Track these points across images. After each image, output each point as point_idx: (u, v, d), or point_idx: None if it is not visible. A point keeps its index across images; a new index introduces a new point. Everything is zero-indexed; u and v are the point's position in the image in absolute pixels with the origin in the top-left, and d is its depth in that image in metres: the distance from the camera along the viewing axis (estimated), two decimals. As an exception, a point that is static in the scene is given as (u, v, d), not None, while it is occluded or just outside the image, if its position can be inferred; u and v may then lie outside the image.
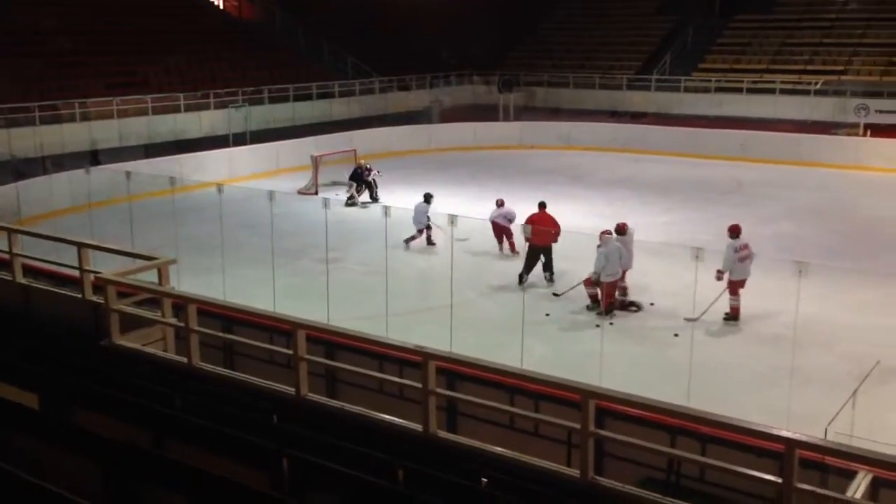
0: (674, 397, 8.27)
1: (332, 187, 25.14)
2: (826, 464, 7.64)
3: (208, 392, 8.53)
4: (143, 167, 23.04)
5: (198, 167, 24.83)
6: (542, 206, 17.10)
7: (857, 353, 12.64)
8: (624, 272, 15.01)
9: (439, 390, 8.14)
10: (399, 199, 22.69)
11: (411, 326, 13.35)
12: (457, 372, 9.63)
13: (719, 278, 14.05)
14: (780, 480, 6.41)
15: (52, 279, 12.87)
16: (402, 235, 19.13)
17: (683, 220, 21.74)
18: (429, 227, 18.91)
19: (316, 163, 25.26)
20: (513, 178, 26.55)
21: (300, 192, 24.47)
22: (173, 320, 10.24)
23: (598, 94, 37.25)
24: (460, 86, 40.12)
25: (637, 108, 36.37)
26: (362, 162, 24.19)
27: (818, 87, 32.86)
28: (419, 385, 7.93)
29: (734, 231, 14.66)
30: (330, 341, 10.49)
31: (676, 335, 13.63)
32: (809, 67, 34.40)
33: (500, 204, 18.59)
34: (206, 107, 29.27)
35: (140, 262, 11.05)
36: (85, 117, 26.01)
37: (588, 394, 7.13)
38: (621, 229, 15.17)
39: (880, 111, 30.48)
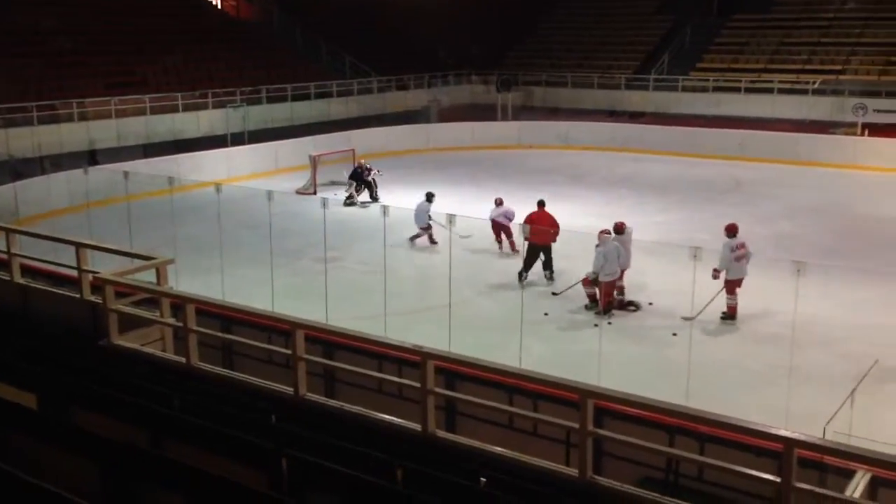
0: (672, 397, 8.27)
1: (330, 187, 25.15)
2: (825, 463, 7.65)
3: (207, 392, 8.53)
4: (142, 167, 23.01)
5: (196, 167, 24.82)
6: (541, 204, 17.13)
7: (855, 353, 12.65)
8: (622, 271, 15.03)
9: (438, 390, 8.14)
10: (398, 198, 22.69)
11: (410, 326, 13.35)
12: (455, 371, 9.64)
13: (716, 277, 14.06)
14: (778, 480, 6.41)
15: (50, 279, 12.86)
16: (402, 235, 19.14)
17: (681, 220, 21.75)
18: (429, 227, 18.92)
19: (314, 162, 25.25)
20: (511, 177, 26.55)
21: (298, 192, 24.46)
22: (172, 320, 10.24)
23: (597, 93, 37.25)
24: (458, 85, 40.12)
25: (635, 108, 36.38)
26: (363, 161, 24.18)
27: (816, 86, 32.87)
28: (418, 385, 7.92)
29: (731, 230, 14.67)
30: (329, 341, 10.48)
31: (675, 335, 13.63)
32: (807, 67, 34.42)
33: (498, 203, 18.64)
34: (205, 107, 29.26)
35: (138, 262, 11.05)
36: (83, 117, 26.00)
37: (587, 393, 7.13)
38: (619, 228, 15.18)
39: (878, 110, 30.49)
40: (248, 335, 10.72)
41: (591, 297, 14.98)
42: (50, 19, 29.10)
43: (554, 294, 15.78)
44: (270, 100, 31.34)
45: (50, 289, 11.96)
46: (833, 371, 12.16)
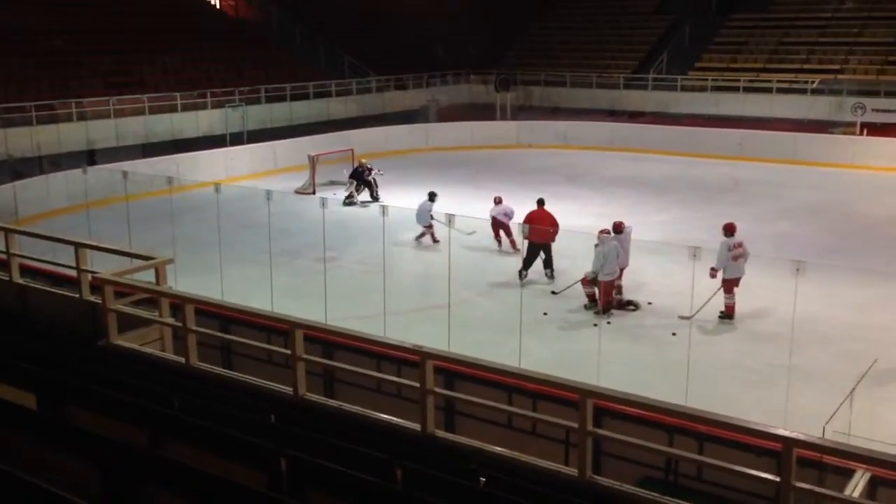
0: (671, 396, 8.28)
1: (329, 187, 25.16)
2: (824, 462, 7.65)
3: (206, 392, 8.52)
4: (140, 167, 23.04)
5: (195, 167, 24.83)
6: (540, 203, 17.18)
7: (854, 352, 12.66)
8: (621, 271, 15.03)
9: (437, 390, 8.14)
10: (397, 198, 22.70)
11: (409, 326, 13.36)
12: (455, 371, 9.64)
13: (713, 276, 14.07)
14: (778, 479, 6.41)
15: (49, 279, 12.86)
16: (401, 235, 19.15)
17: (680, 219, 21.75)
18: (431, 226, 18.94)
19: (313, 162, 25.25)
20: (510, 177, 26.55)
21: (297, 192, 24.46)
22: (171, 320, 10.23)
23: (596, 93, 37.26)
24: (457, 85, 40.15)
25: (634, 107, 36.40)
26: (364, 161, 24.16)
27: (815, 85, 32.88)
28: (417, 384, 7.92)
29: (729, 229, 14.68)
30: (328, 341, 10.49)
31: (674, 334, 13.63)
32: (806, 66, 34.44)
33: (498, 201, 18.76)
34: (203, 106, 29.25)
35: (137, 262, 11.04)
36: (82, 117, 25.99)
37: (586, 393, 7.13)
38: (618, 228, 15.18)
39: (876, 110, 30.52)
40: (248, 335, 10.72)
41: (591, 297, 14.98)
42: (47, 19, 29.08)
43: (553, 293, 15.79)
44: (269, 99, 31.34)
45: (49, 289, 11.96)
46: (832, 370, 12.17)
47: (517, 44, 42.82)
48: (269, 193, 14.53)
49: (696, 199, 24.35)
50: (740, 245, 14.49)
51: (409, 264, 18.12)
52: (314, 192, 24.35)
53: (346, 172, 24.37)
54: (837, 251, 18.51)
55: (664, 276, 15.85)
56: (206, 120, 29.18)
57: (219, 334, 10.96)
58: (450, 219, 13.54)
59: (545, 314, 14.75)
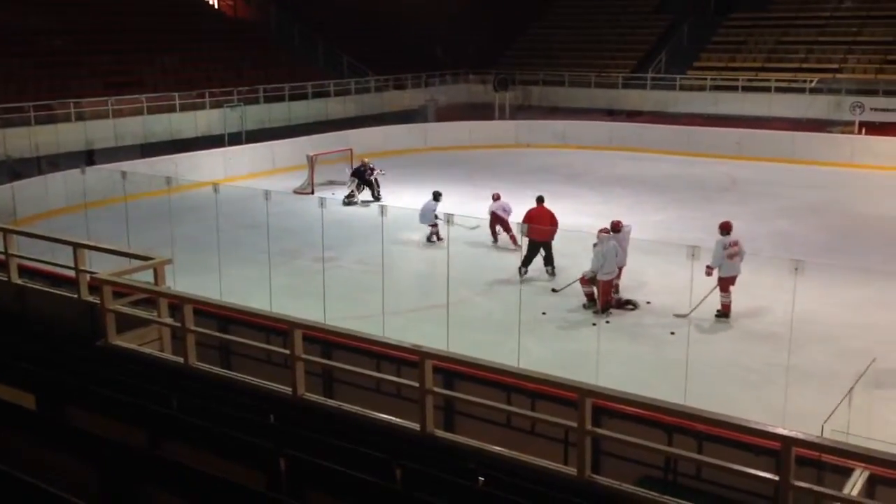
0: (670, 395, 8.29)
1: (328, 186, 25.16)
2: (823, 461, 7.65)
3: (205, 392, 8.52)
4: (139, 167, 23.03)
5: (193, 167, 24.80)
6: (539, 200, 17.24)
7: (853, 351, 12.66)
8: (620, 270, 15.04)
9: (436, 389, 8.14)
10: (397, 198, 22.74)
11: (408, 325, 13.37)
12: (454, 371, 9.64)
13: (708, 274, 14.08)
14: (776, 478, 6.41)
15: (47, 279, 12.85)
16: (401, 234, 19.18)
17: (679, 218, 21.76)
18: (436, 225, 18.99)
19: (312, 162, 25.24)
20: (508, 176, 26.53)
21: (296, 192, 24.45)
22: (169, 320, 10.23)
23: (594, 92, 37.27)
24: (455, 85, 40.14)
25: (633, 107, 36.41)
26: (366, 160, 24.15)
27: (813, 85, 32.91)
28: (416, 384, 7.92)
29: (725, 228, 14.69)
30: (327, 341, 10.48)
31: (673, 333, 13.64)
32: (804, 65, 34.45)
33: (496, 198, 18.97)
34: (202, 106, 29.24)
35: (136, 262, 11.04)
36: (80, 117, 25.97)
37: (585, 392, 7.13)
38: (616, 227, 15.19)
39: (875, 109, 30.55)
40: (246, 335, 10.72)
41: (589, 297, 14.99)
42: (45, 19, 29.06)
43: (554, 291, 15.81)
44: (268, 99, 31.33)
45: (47, 289, 11.96)
46: (831, 369, 12.18)
47: (516, 43, 42.83)
48: (267, 193, 14.52)
49: (694, 198, 24.36)
50: (736, 244, 14.50)
51: (408, 264, 18.12)
52: (313, 192, 24.34)
53: (348, 171, 24.38)
54: (836, 250, 18.53)
55: (663, 275, 15.85)
56: (204, 120, 29.17)
57: (218, 334, 10.96)
58: (449, 218, 13.56)
59: (544, 314, 14.75)
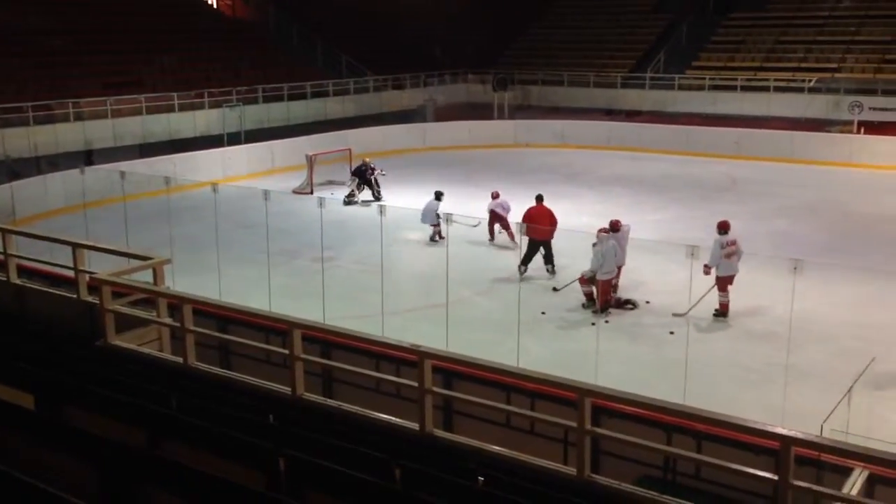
0: (670, 395, 8.29)
1: (327, 186, 25.15)
2: (822, 461, 7.65)
3: (204, 392, 8.51)
4: (138, 167, 23.04)
5: (192, 167, 24.79)
6: (539, 199, 17.29)
7: (852, 350, 12.67)
8: (619, 269, 15.04)
9: (436, 389, 8.14)
10: (397, 197, 22.74)
11: (407, 325, 13.37)
12: (453, 371, 9.64)
13: (706, 273, 14.10)
14: (776, 477, 6.41)
15: (46, 279, 12.85)
16: (401, 234, 19.19)
17: (678, 218, 21.77)
18: (438, 224, 19.04)
19: (311, 162, 25.23)
20: (507, 176, 26.52)
21: (295, 192, 24.45)
22: (169, 320, 10.23)
23: (593, 92, 37.28)
24: (454, 84, 40.15)
25: (632, 106, 36.42)
26: (368, 160, 24.15)
27: (812, 84, 32.92)
28: (416, 384, 7.92)
29: (722, 227, 14.71)
30: (326, 340, 10.48)
31: (672, 333, 13.64)
32: (803, 65, 34.47)
33: (495, 196, 19.11)
34: (201, 106, 29.23)
35: (135, 262, 11.03)
36: (79, 117, 25.97)
37: (584, 392, 7.13)
38: (615, 226, 15.20)
39: (874, 108, 30.55)
40: (246, 335, 10.71)
41: (588, 296, 14.99)
42: (44, 19, 29.05)
43: (555, 290, 15.83)
44: (266, 99, 31.32)
45: (46, 289, 11.95)
46: (830, 369, 12.18)
47: (515, 43, 42.83)
48: (266, 193, 14.52)
49: (693, 197, 24.36)
50: (734, 243, 14.51)
51: (407, 264, 18.12)
52: (312, 192, 24.34)
53: (349, 171, 24.37)
54: (835, 249, 18.53)
55: (662, 274, 15.85)
56: (203, 120, 29.16)
57: (217, 334, 10.96)
58: (448, 218, 13.58)
59: (543, 313, 14.75)
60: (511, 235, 18.57)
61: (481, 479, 6.57)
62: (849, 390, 9.22)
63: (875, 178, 26.76)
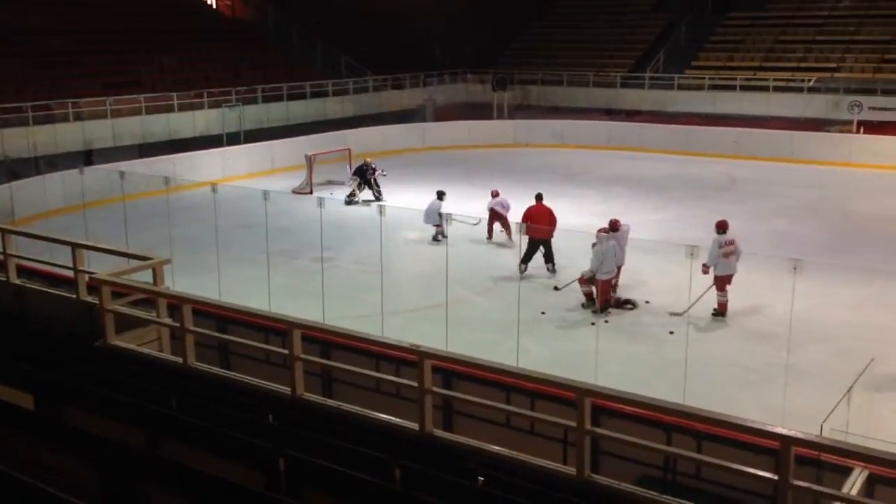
0: (669, 395, 8.28)
1: (326, 186, 25.15)
2: (822, 460, 7.65)
3: (204, 392, 8.51)
4: (137, 167, 23.03)
5: (192, 167, 24.79)
6: (538, 197, 17.35)
7: (851, 350, 12.67)
8: (618, 269, 15.04)
9: (435, 389, 8.13)
10: (396, 197, 22.74)
11: (407, 325, 13.36)
12: (453, 370, 9.64)
13: (705, 272, 14.11)
14: (776, 477, 6.41)
15: (46, 280, 12.84)
16: (399, 234, 19.19)
17: (677, 218, 21.77)
18: (439, 224, 19.08)
19: (310, 162, 25.23)
20: (507, 176, 26.51)
21: (295, 192, 24.45)
22: (168, 320, 10.22)
23: (592, 91, 37.29)
24: (454, 84, 40.17)
25: (631, 106, 36.44)
26: (369, 160, 24.15)
27: (811, 84, 32.93)
28: (415, 384, 7.92)
29: (721, 227, 14.72)
30: (326, 340, 10.48)
31: (672, 332, 13.64)
32: (802, 65, 34.48)
33: (495, 194, 19.20)
34: (200, 106, 29.24)
35: (135, 262, 11.03)
36: (78, 117, 25.97)
37: (584, 392, 7.13)
38: (614, 226, 15.20)
39: (873, 108, 30.57)
40: (245, 335, 10.71)
41: (588, 296, 14.99)
42: (43, 19, 29.04)
43: (556, 289, 15.84)
44: (266, 99, 31.33)
45: (46, 289, 11.94)
46: (830, 369, 12.18)
47: (514, 43, 42.85)
48: (266, 193, 14.51)
49: (692, 197, 24.36)
50: (732, 243, 14.51)
51: (406, 264, 18.11)
52: (311, 192, 24.33)
53: (350, 170, 24.37)
54: (834, 249, 18.53)
55: (661, 274, 15.85)
56: (202, 120, 29.16)
57: (216, 334, 10.95)
58: (447, 218, 13.59)
59: (543, 313, 14.75)
60: (509, 233, 18.63)
61: (481, 479, 6.57)
62: (848, 390, 9.21)
63: (875, 178, 26.76)
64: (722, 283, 14.40)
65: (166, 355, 10.15)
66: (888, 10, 34.88)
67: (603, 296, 14.64)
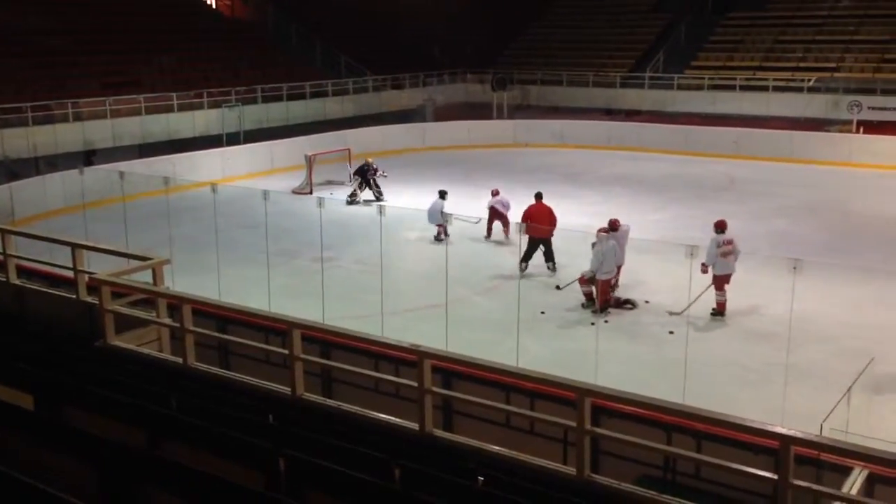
0: (669, 395, 8.29)
1: (326, 186, 25.15)
2: (822, 460, 7.66)
3: (204, 392, 8.51)
4: (137, 167, 23.03)
5: (192, 167, 24.79)
6: (538, 197, 17.38)
7: (851, 350, 12.67)
8: (618, 269, 15.05)
9: (435, 389, 8.14)
10: (396, 197, 22.73)
11: (407, 325, 13.36)
12: (452, 370, 9.64)
13: (703, 271, 14.12)
14: (776, 477, 6.42)
15: (46, 280, 12.85)
16: (399, 234, 19.19)
17: (677, 218, 21.77)
18: (441, 224, 19.10)
19: (310, 162, 25.23)
20: (507, 176, 26.50)
21: (295, 192, 24.45)
22: (168, 320, 10.22)
23: (592, 91, 37.29)
24: (454, 84, 40.17)
25: (631, 106, 36.44)
26: (369, 160, 24.15)
27: (811, 84, 32.93)
28: (415, 384, 7.92)
29: (719, 226, 14.73)
30: (326, 341, 10.49)
31: (671, 332, 13.65)
32: (802, 64, 34.48)
33: (495, 193, 19.28)
34: (200, 106, 29.23)
35: (134, 263, 11.04)
36: (78, 117, 25.97)
37: (584, 392, 7.13)
38: (614, 225, 15.21)
39: (873, 108, 30.58)
40: (245, 335, 10.72)
41: (588, 296, 14.99)
42: (42, 19, 29.05)
43: (558, 287, 15.84)
44: (266, 99, 31.32)
45: (46, 290, 11.95)
46: (829, 368, 12.18)
47: (514, 43, 42.84)
48: (266, 193, 14.51)
49: (692, 197, 24.36)
50: (730, 242, 14.52)
51: (406, 264, 18.11)
52: (311, 192, 24.34)
53: (350, 170, 24.35)
54: (834, 249, 18.53)
55: (661, 274, 15.84)
56: (202, 120, 29.16)
57: (216, 334, 10.96)
58: (447, 218, 13.61)
59: (542, 313, 14.75)
60: (507, 231, 18.71)
61: (481, 478, 6.57)
62: (848, 390, 9.22)
63: (874, 178, 26.76)
64: (720, 282, 14.41)
65: (166, 355, 10.16)
66: (888, 9, 34.88)
67: (603, 296, 14.65)
